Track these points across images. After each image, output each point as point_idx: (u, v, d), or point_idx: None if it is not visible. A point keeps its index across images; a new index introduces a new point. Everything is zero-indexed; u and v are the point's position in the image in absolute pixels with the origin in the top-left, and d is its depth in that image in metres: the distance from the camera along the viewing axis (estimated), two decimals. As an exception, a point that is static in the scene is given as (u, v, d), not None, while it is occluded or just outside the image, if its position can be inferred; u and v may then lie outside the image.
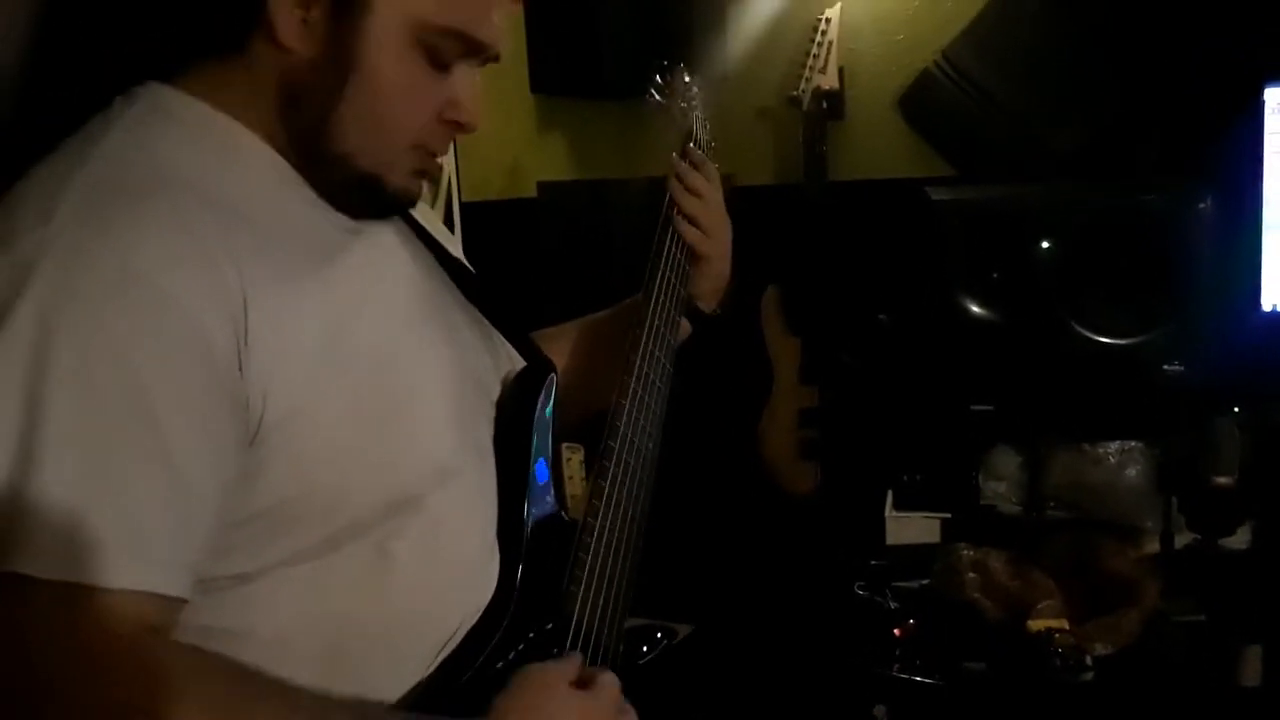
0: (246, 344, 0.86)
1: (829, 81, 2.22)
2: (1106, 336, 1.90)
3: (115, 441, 0.80)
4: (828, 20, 2.22)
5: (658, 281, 1.28)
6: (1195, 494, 1.81)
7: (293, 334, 0.89)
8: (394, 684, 0.98)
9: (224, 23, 0.93)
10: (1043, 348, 1.91)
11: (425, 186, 1.12)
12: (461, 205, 2.55)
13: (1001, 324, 1.93)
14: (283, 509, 0.90)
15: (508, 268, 1.51)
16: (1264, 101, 1.87)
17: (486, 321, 1.18)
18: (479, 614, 1.04)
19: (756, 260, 1.46)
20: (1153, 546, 1.86)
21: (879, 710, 1.80)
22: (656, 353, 1.25)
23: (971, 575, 1.79)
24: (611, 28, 2.29)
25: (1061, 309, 1.89)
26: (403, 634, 0.99)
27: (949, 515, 2.02)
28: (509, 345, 1.19)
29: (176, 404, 0.82)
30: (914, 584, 1.89)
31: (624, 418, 1.19)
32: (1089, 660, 1.64)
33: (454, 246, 1.23)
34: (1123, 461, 1.93)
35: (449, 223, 2.43)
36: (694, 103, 1.44)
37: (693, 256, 1.34)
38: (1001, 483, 2.04)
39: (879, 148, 2.33)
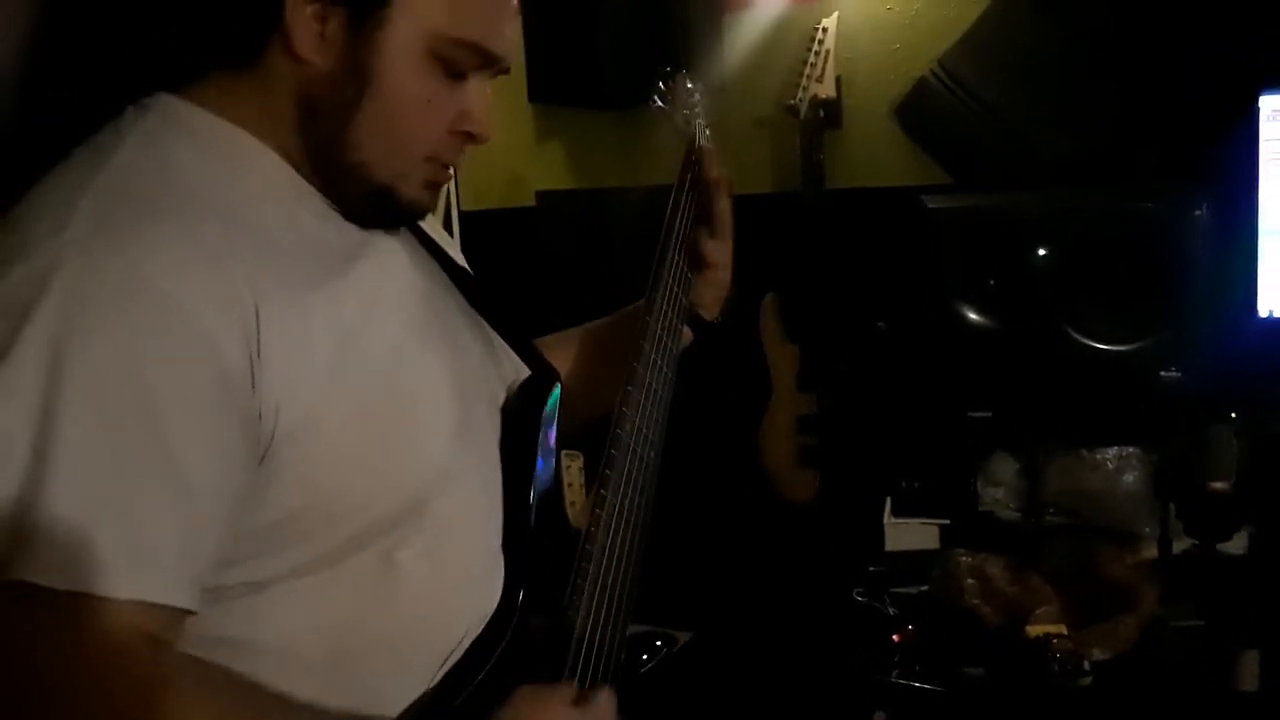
0: (259, 357, 0.86)
1: (826, 90, 2.23)
2: (1103, 343, 1.90)
3: (125, 453, 0.81)
4: (825, 29, 2.23)
5: (660, 289, 1.28)
6: (1192, 499, 1.81)
7: (304, 347, 0.89)
8: (399, 694, 0.99)
9: (240, 34, 0.94)
10: (1040, 354, 1.91)
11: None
12: (461, 214, 2.56)
13: (999, 331, 1.93)
14: (291, 520, 0.91)
15: (507, 276, 1.52)
16: (1259, 109, 1.88)
17: (490, 329, 1.18)
18: (484, 623, 1.04)
19: (754, 268, 1.47)
20: (1150, 552, 1.86)
21: (878, 716, 1.81)
22: (659, 361, 1.25)
23: (970, 581, 1.79)
24: (610, 37, 2.30)
25: (1058, 316, 1.89)
26: (408, 643, 0.99)
27: (947, 521, 2.02)
28: (513, 353, 1.19)
29: (187, 416, 0.83)
30: (913, 590, 1.90)
31: (627, 426, 1.19)
32: (1087, 665, 1.64)
33: (458, 254, 1.23)
34: (1120, 467, 1.94)
35: (447, 231, 2.44)
36: (696, 109, 1.44)
37: (698, 263, 1.35)
38: (1000, 489, 2.04)
39: (876, 156, 2.34)
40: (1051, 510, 1.98)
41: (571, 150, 2.64)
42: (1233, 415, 1.82)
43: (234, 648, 0.91)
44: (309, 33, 0.92)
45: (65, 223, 0.83)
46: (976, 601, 1.77)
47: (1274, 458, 1.81)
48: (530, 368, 1.19)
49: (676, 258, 1.32)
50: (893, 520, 2.07)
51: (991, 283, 1.93)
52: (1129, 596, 1.74)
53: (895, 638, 1.80)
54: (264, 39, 0.93)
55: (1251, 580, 1.77)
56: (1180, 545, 1.84)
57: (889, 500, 2.10)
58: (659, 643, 2.04)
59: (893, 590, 1.91)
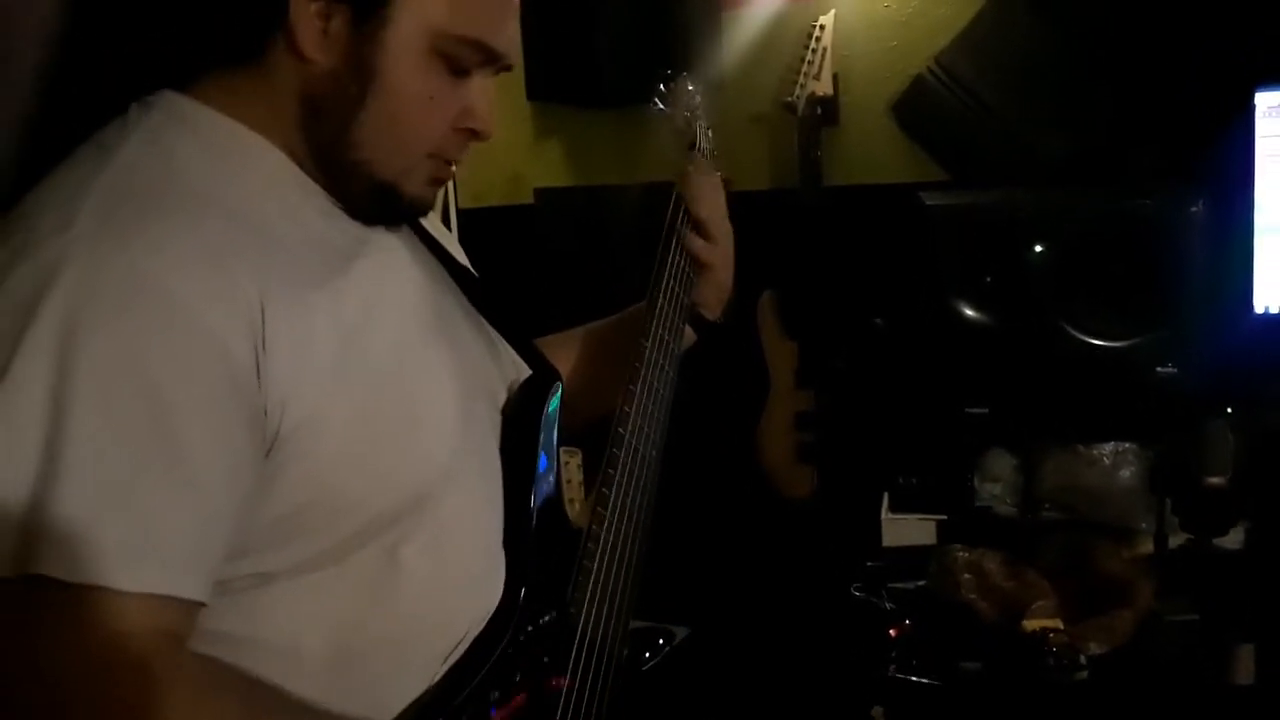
0: (265, 353, 0.86)
1: (823, 87, 2.23)
2: (1100, 339, 1.91)
3: (134, 448, 0.81)
4: (822, 27, 2.23)
5: (662, 289, 1.29)
6: (1189, 495, 1.82)
7: (308, 344, 0.90)
8: (401, 691, 0.99)
9: (244, 32, 0.94)
10: (1037, 351, 1.92)
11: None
12: (459, 212, 2.56)
13: (995, 327, 1.94)
14: (295, 515, 0.91)
15: (506, 274, 1.52)
16: (1254, 106, 1.89)
17: (491, 328, 1.19)
18: (485, 621, 1.05)
19: (752, 265, 1.47)
20: (1146, 547, 1.87)
21: (876, 711, 1.81)
22: (661, 360, 1.25)
23: (967, 576, 1.80)
24: (608, 35, 2.30)
25: (1055, 312, 1.90)
26: (411, 641, 1.00)
27: (945, 517, 2.03)
28: (513, 352, 1.20)
29: (194, 411, 0.83)
30: (910, 585, 1.90)
31: (629, 425, 1.19)
32: (1083, 660, 1.65)
33: (459, 252, 1.24)
34: (1116, 463, 1.94)
35: (446, 229, 2.44)
36: (697, 111, 1.45)
37: (697, 264, 1.35)
38: (996, 485, 2.05)
39: (873, 153, 2.34)
40: (1048, 506, 1.99)
41: (570, 148, 2.65)
42: (1229, 411, 1.82)
43: (236, 643, 0.91)
44: (312, 30, 0.93)
45: (71, 220, 0.84)
46: (973, 596, 1.78)
47: (1270, 453, 1.82)
48: (531, 367, 1.19)
49: (678, 257, 1.32)
50: (890, 516, 2.07)
51: (988, 279, 1.94)
52: (1125, 591, 1.74)
53: (892, 632, 1.81)
54: (267, 37, 0.93)
55: (1247, 575, 1.78)
56: (1176, 540, 1.84)
57: (886, 496, 2.11)
58: (660, 640, 2.05)
59: (890, 585, 1.91)
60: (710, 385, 1.76)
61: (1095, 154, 2.12)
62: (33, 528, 0.78)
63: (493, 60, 1.01)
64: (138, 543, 0.81)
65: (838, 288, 2.27)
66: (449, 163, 1.04)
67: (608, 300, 1.43)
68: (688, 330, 1.35)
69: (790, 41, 2.32)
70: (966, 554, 1.83)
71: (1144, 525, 1.89)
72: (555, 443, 1.17)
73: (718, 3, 2.39)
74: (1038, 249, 1.91)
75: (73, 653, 0.79)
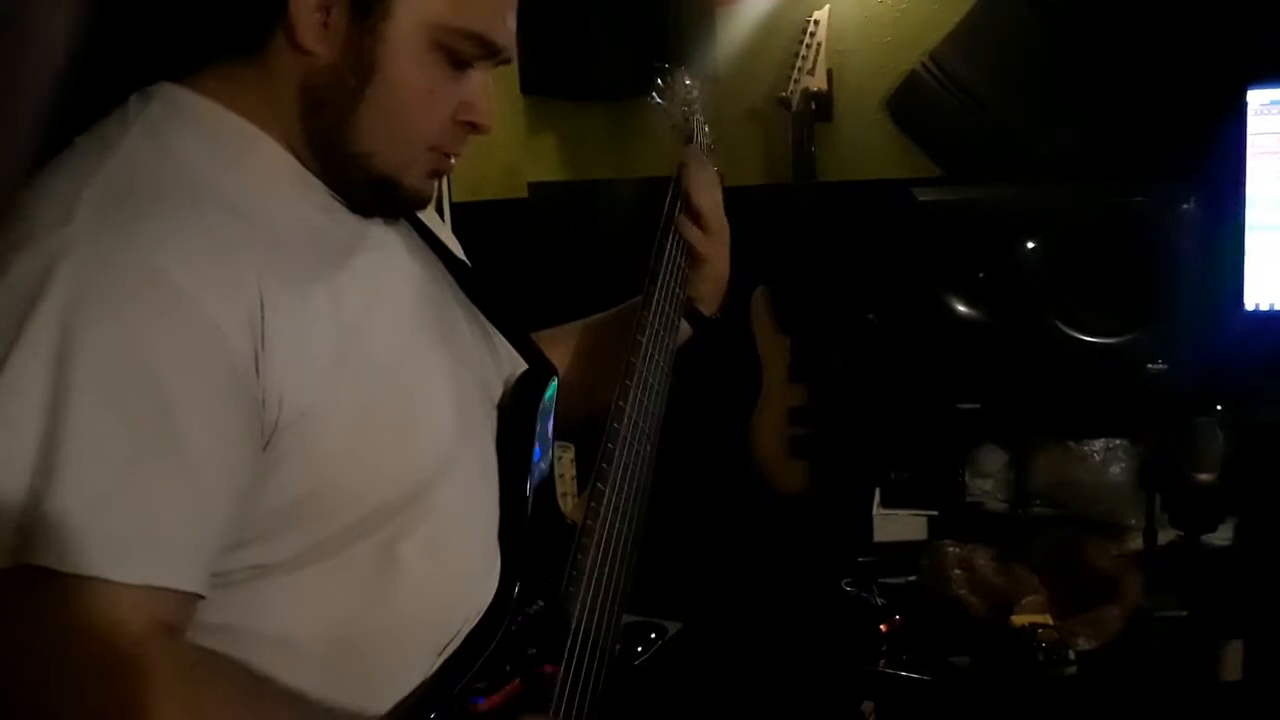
0: (264, 346, 0.87)
1: (817, 83, 2.24)
2: (1091, 336, 1.91)
3: (134, 440, 0.81)
4: (816, 22, 2.24)
5: (658, 285, 1.29)
6: (1178, 491, 1.82)
7: (307, 336, 0.90)
8: (396, 684, 1.00)
9: (244, 24, 0.94)
10: (1028, 347, 1.92)
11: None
12: (452, 206, 2.56)
13: (987, 323, 1.94)
14: (292, 508, 0.91)
15: (499, 268, 1.52)
16: (1246, 103, 1.89)
17: (487, 322, 1.19)
18: (480, 614, 1.05)
19: (746, 260, 1.47)
20: (1136, 543, 1.87)
21: (866, 705, 1.82)
22: (656, 356, 1.26)
23: (957, 571, 1.80)
24: (602, 29, 2.30)
25: (1047, 309, 1.90)
26: (407, 634, 1.00)
27: (936, 512, 2.03)
28: (509, 346, 1.20)
29: (194, 403, 0.84)
30: (901, 580, 1.90)
31: (623, 421, 1.19)
32: (1072, 655, 1.65)
33: (454, 245, 1.24)
34: (1107, 459, 1.95)
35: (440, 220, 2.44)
36: (694, 105, 1.45)
37: (693, 259, 1.35)
38: (987, 480, 2.06)
39: (867, 149, 2.35)
40: (1038, 501, 2.00)
41: (564, 142, 2.65)
42: (1218, 408, 1.82)
43: (233, 636, 0.91)
44: (312, 23, 0.93)
45: (72, 212, 0.84)
46: (963, 591, 1.78)
47: (1259, 450, 1.82)
48: (527, 361, 1.19)
49: (674, 252, 1.32)
50: (881, 511, 2.08)
51: (981, 275, 1.94)
52: (1114, 587, 1.75)
53: (883, 627, 1.81)
54: (267, 29, 0.93)
55: (1236, 571, 1.79)
56: (1166, 536, 1.85)
57: (878, 491, 2.11)
58: (653, 634, 2.06)
59: (881, 580, 1.91)
60: (704, 380, 1.77)
61: (1088, 150, 2.12)
62: (31, 519, 0.78)
63: (492, 54, 1.01)
64: (135, 535, 0.81)
65: (831, 283, 2.27)
66: (448, 155, 1.04)
67: (602, 294, 1.43)
68: (683, 325, 1.35)
69: (784, 37, 2.32)
70: (957, 549, 1.84)
71: (1133, 521, 1.89)
72: (550, 437, 1.17)
73: (712, -3, 2.40)
74: (1030, 245, 1.91)
75: (68, 643, 0.79)
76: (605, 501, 1.16)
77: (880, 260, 2.24)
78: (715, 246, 1.37)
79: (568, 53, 2.33)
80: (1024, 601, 1.74)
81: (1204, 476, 1.77)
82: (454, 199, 2.53)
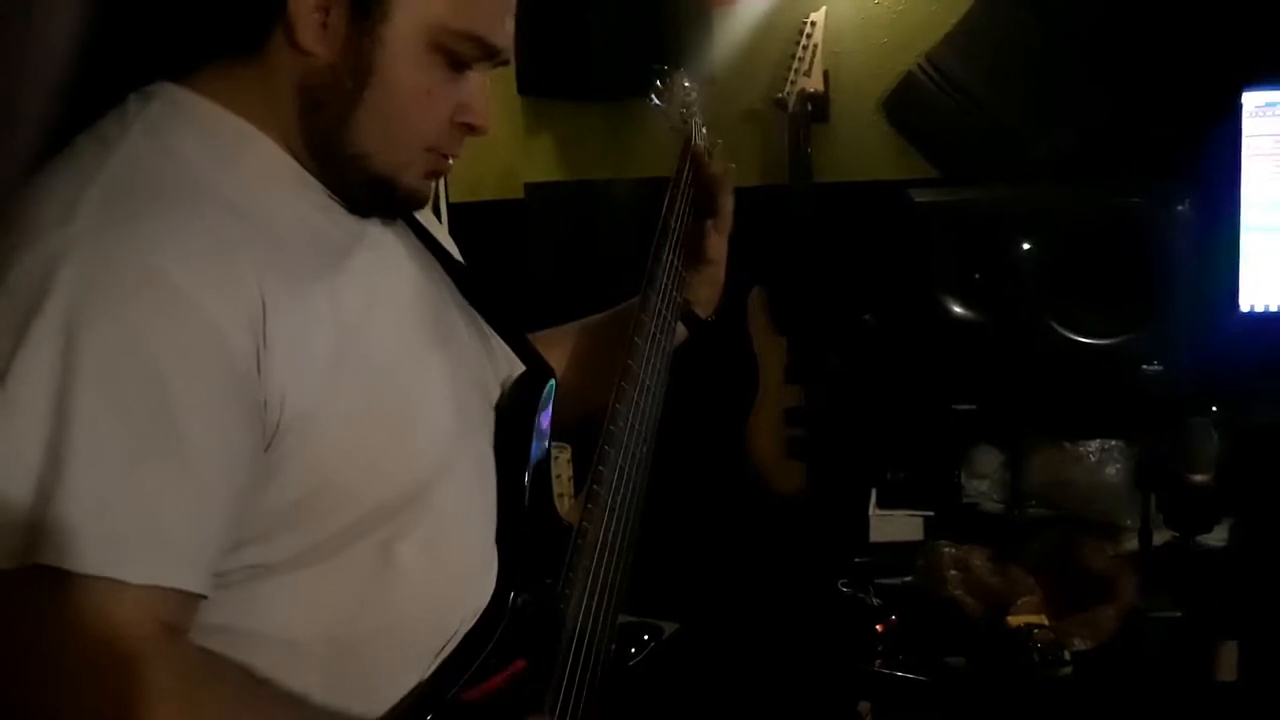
0: (265, 347, 0.87)
1: (814, 84, 2.24)
2: (1087, 337, 1.91)
3: (137, 440, 0.82)
4: (813, 23, 2.24)
5: (655, 287, 1.29)
6: (1173, 492, 1.82)
7: (307, 337, 0.90)
8: (394, 686, 1.00)
9: (244, 24, 0.94)
10: (1024, 348, 1.92)
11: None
12: (449, 206, 2.56)
13: (983, 324, 1.95)
14: (293, 508, 0.92)
15: (496, 269, 1.53)
16: (1242, 105, 1.90)
17: (485, 323, 1.19)
18: (477, 615, 1.05)
19: (742, 261, 1.48)
20: (1131, 544, 1.88)
21: (863, 706, 1.82)
22: (653, 358, 1.25)
23: (953, 572, 1.81)
24: (599, 30, 2.30)
25: (1043, 310, 1.91)
26: (405, 636, 1.00)
27: (932, 513, 2.04)
28: (507, 347, 1.20)
29: (197, 404, 0.84)
30: (897, 581, 1.91)
31: (620, 423, 1.19)
32: (1067, 655, 1.66)
33: (451, 245, 1.24)
34: (1102, 460, 1.95)
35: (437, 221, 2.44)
36: (693, 107, 1.45)
37: (697, 261, 1.35)
38: (983, 481, 2.06)
39: (863, 150, 2.35)
40: (1034, 502, 2.00)
41: (561, 142, 2.65)
42: (1213, 409, 1.83)
43: (233, 636, 0.92)
44: (311, 23, 0.93)
45: (73, 212, 0.84)
46: (959, 592, 1.79)
47: (1253, 451, 1.83)
48: (524, 362, 1.19)
49: (671, 255, 1.32)
50: (878, 512, 2.08)
51: (976, 276, 1.94)
52: (1109, 587, 1.75)
53: (879, 628, 1.82)
54: (266, 29, 0.93)
55: (1230, 572, 1.79)
56: (1161, 537, 1.85)
57: (874, 492, 2.12)
58: (648, 635, 2.05)
59: (877, 581, 1.92)
60: (701, 380, 1.77)
61: (1083, 152, 2.13)
62: (36, 520, 0.78)
63: (491, 55, 1.01)
64: (139, 535, 0.81)
65: (827, 284, 2.28)
66: (446, 156, 1.04)
67: (598, 294, 1.43)
68: (679, 327, 1.35)
69: (781, 38, 2.32)
70: (953, 550, 1.84)
71: (1129, 522, 1.90)
72: (548, 439, 1.17)
73: (708, -2, 2.40)
74: (1026, 246, 1.91)
75: (71, 643, 0.79)
76: (601, 503, 1.16)
77: (876, 261, 2.24)
78: (715, 248, 1.37)
79: (565, 53, 2.34)
80: (1020, 602, 1.75)
81: (1199, 477, 1.78)
82: (451, 199, 2.53)
